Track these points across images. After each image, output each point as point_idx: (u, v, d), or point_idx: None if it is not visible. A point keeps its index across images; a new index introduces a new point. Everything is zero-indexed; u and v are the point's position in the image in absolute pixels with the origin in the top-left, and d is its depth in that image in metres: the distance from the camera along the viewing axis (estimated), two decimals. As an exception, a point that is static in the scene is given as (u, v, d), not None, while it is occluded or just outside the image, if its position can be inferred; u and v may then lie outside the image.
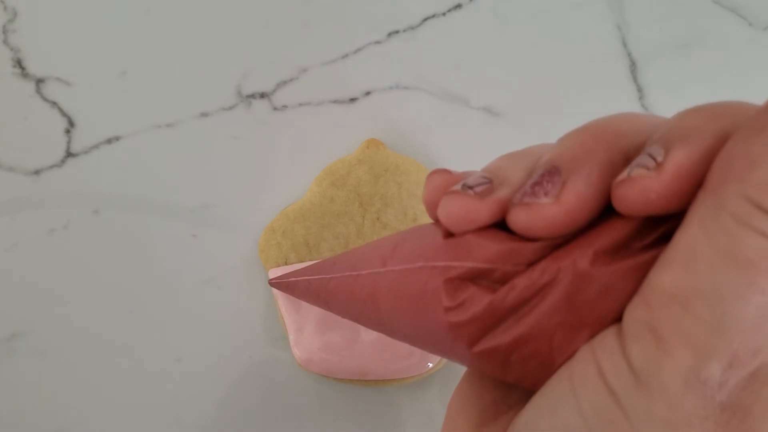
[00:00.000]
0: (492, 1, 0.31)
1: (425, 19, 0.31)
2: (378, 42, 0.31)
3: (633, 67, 0.31)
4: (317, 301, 0.19)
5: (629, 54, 0.31)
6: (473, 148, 0.31)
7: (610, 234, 0.12)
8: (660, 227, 0.11)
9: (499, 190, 0.13)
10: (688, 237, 0.10)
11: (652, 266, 0.11)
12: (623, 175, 0.11)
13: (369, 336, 0.27)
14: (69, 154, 0.30)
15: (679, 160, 0.11)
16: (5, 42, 0.30)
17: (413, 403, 0.29)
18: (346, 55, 0.31)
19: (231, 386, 0.29)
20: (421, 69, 0.31)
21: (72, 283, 0.29)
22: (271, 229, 0.29)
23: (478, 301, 0.12)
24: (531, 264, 0.12)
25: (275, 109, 0.31)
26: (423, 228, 0.15)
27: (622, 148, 0.12)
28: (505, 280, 0.12)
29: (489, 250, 0.12)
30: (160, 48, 0.31)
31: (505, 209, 0.13)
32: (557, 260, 0.12)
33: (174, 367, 0.29)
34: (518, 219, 0.12)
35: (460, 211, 0.13)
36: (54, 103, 0.30)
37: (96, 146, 0.30)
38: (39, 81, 0.30)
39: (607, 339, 0.11)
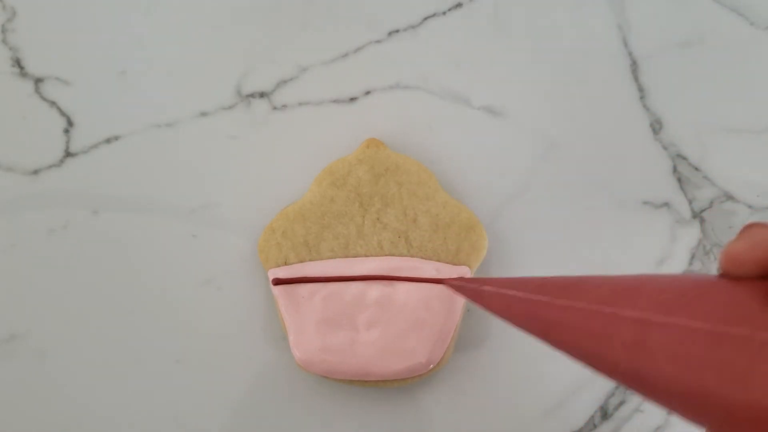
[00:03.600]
0: (492, 0, 0.31)
1: (426, 18, 0.31)
2: (378, 41, 0.31)
3: (634, 66, 0.31)
4: (526, 323, 0.16)
5: (630, 53, 0.31)
6: (473, 147, 0.31)
7: None
8: None
9: None
10: None
11: None
12: None
13: (369, 336, 0.27)
14: (68, 154, 0.30)
15: None
16: (4, 41, 0.30)
17: (414, 403, 0.29)
18: (346, 55, 0.31)
19: (230, 387, 0.29)
20: (421, 68, 0.31)
21: (71, 283, 0.29)
22: (271, 229, 0.29)
23: None
24: None
25: (275, 108, 0.31)
26: (723, 283, 0.13)
27: None
28: None
29: None
30: (160, 47, 0.31)
31: None
32: None
33: (173, 367, 0.29)
34: None
35: None
36: (53, 103, 0.30)
37: (95, 146, 0.30)
38: (38, 80, 0.30)
39: None
